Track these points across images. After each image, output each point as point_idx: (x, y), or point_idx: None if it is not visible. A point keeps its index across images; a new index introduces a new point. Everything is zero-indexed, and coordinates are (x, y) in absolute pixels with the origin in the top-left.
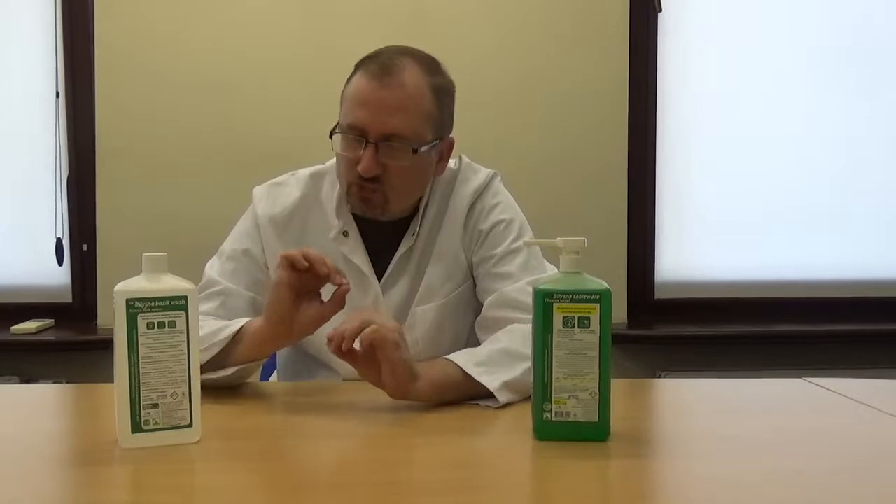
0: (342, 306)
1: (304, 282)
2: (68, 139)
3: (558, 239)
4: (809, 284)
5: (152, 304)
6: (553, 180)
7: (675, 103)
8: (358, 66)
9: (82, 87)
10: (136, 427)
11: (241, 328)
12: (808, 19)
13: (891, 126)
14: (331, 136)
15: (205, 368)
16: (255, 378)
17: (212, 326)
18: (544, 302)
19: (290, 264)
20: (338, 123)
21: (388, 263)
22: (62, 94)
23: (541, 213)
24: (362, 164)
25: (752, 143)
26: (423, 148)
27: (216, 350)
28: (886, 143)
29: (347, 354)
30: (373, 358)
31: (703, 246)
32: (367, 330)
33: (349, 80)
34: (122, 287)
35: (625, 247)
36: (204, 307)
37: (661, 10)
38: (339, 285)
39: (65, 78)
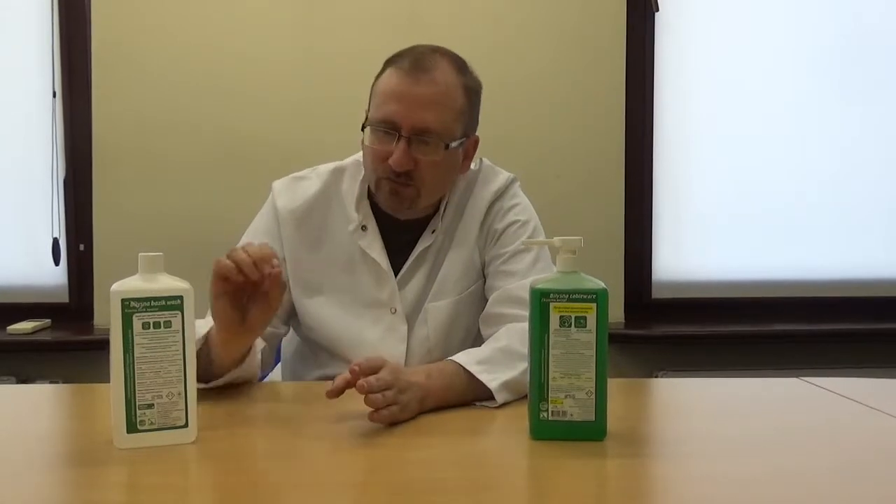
0: (282, 289)
1: (241, 286)
2: (65, 139)
3: (555, 238)
4: (806, 284)
5: (148, 304)
6: (550, 180)
7: (672, 103)
8: (388, 63)
9: (79, 87)
10: (132, 427)
11: (208, 331)
12: (805, 19)
13: (888, 126)
14: (362, 130)
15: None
16: None
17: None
18: (541, 301)
19: (224, 276)
20: (367, 118)
21: (406, 259)
22: (59, 94)
23: (538, 212)
24: (394, 157)
25: (749, 143)
26: (454, 144)
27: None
28: (884, 143)
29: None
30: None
31: (699, 245)
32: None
33: (379, 76)
34: (117, 287)
35: (622, 246)
36: None
37: (657, 10)
38: (269, 274)
39: (61, 78)
